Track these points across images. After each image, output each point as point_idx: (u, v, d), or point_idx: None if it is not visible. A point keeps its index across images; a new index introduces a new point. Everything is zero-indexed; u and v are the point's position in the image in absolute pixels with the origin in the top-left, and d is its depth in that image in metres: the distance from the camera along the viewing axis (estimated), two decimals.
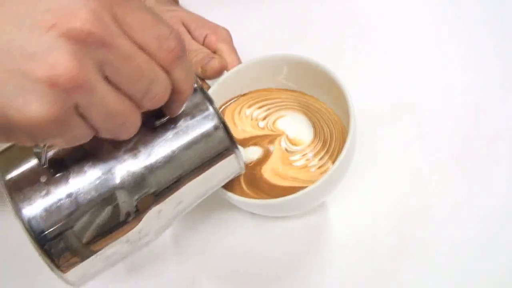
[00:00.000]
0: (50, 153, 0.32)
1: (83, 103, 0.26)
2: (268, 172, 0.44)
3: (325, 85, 0.44)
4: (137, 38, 0.27)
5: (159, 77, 0.29)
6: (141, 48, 0.28)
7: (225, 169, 0.38)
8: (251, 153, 0.45)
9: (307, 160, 0.44)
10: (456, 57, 0.54)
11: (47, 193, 0.32)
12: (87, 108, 0.27)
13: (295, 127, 0.46)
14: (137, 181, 0.33)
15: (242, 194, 0.42)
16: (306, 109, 0.47)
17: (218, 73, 0.48)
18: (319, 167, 0.43)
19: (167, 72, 0.29)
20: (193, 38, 0.52)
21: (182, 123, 0.35)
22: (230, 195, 0.41)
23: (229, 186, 0.41)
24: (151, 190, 0.34)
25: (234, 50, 0.51)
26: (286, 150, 0.44)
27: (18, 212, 0.32)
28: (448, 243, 0.44)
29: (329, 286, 0.44)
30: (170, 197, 0.35)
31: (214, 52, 0.51)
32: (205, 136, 0.35)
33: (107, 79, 0.27)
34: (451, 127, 0.50)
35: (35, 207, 0.32)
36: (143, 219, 0.34)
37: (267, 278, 0.45)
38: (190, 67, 0.31)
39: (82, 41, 0.25)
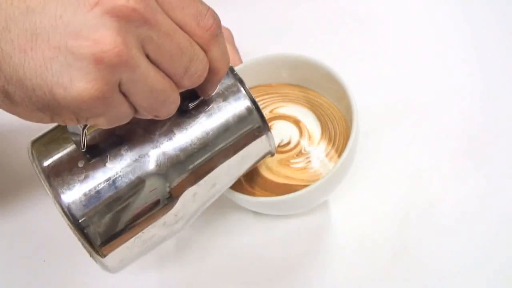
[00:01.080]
0: (87, 138, 0.32)
1: (127, 80, 0.27)
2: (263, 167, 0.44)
3: (327, 83, 0.44)
4: (176, 16, 0.28)
5: (199, 54, 0.29)
6: (180, 26, 0.28)
7: (257, 150, 0.38)
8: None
9: (307, 162, 0.43)
10: (457, 57, 0.54)
11: (86, 178, 0.32)
12: (130, 85, 0.27)
13: (304, 120, 0.46)
14: (173, 164, 0.34)
15: (242, 189, 0.42)
16: (309, 103, 0.47)
17: None
18: (320, 167, 0.43)
19: (204, 50, 0.29)
20: None
21: (214, 105, 0.35)
22: (233, 192, 0.41)
23: None
24: (187, 173, 0.34)
25: (236, 50, 0.52)
26: (301, 151, 0.44)
27: (57, 197, 0.32)
28: (450, 243, 0.44)
29: (331, 286, 0.44)
30: (204, 179, 0.36)
31: None
32: (238, 117, 0.35)
33: (148, 56, 0.27)
34: (453, 127, 0.50)
35: (74, 192, 0.32)
36: (179, 202, 0.35)
37: (269, 278, 0.45)
38: (225, 46, 0.31)
39: (125, 18, 0.25)
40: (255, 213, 0.47)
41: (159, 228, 0.35)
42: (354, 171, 0.43)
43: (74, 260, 0.47)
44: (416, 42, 0.56)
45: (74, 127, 0.32)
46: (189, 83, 0.30)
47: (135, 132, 0.34)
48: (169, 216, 0.35)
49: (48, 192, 0.32)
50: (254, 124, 0.36)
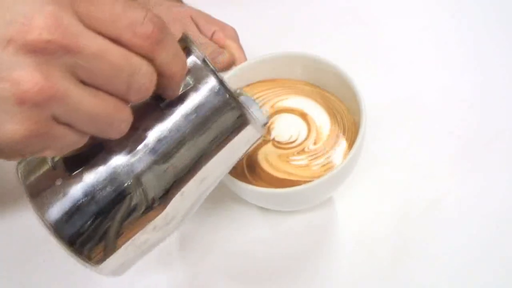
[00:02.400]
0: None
1: (62, 112, 0.25)
2: (263, 160, 0.43)
3: (334, 81, 0.44)
4: (108, 31, 0.26)
5: (140, 66, 0.27)
6: (116, 41, 0.26)
7: (244, 138, 0.35)
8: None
9: (311, 160, 0.43)
10: (458, 57, 0.55)
11: (64, 195, 0.31)
12: (68, 115, 0.26)
13: (313, 111, 0.46)
14: (152, 169, 0.32)
15: (245, 180, 0.42)
16: (317, 95, 0.47)
17: (227, 67, 0.49)
18: (324, 165, 0.43)
19: (150, 59, 0.27)
20: (201, 33, 0.52)
21: (188, 101, 0.33)
22: (238, 183, 0.41)
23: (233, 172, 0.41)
24: (168, 175, 0.33)
25: (241, 48, 0.51)
26: (304, 149, 0.43)
27: (40, 216, 0.31)
28: (453, 240, 0.44)
29: (335, 282, 0.44)
30: (190, 178, 0.34)
31: (222, 48, 0.50)
32: (214, 109, 0.33)
33: (83, 82, 0.26)
34: (453, 127, 0.50)
35: (57, 210, 0.31)
36: (167, 204, 0.33)
37: (273, 274, 0.45)
38: (175, 47, 0.29)
39: (42, 52, 0.24)
40: (260, 209, 0.47)
41: (150, 232, 0.34)
42: (357, 169, 0.43)
43: (74, 260, 0.46)
44: (417, 42, 0.57)
45: None
46: (136, 98, 0.28)
47: (108, 142, 0.32)
48: (159, 220, 0.34)
49: (34, 212, 0.32)
50: (232, 114, 0.34)
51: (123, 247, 0.33)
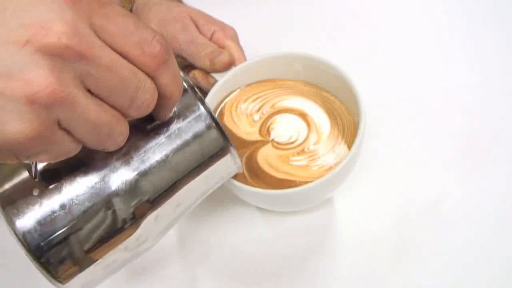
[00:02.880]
0: (41, 166, 0.31)
1: (65, 117, 0.26)
2: (262, 161, 0.43)
3: (334, 82, 0.44)
4: (118, 46, 0.26)
5: (145, 84, 0.28)
6: (124, 55, 0.27)
7: (221, 169, 0.37)
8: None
9: (311, 160, 0.43)
10: (458, 58, 0.55)
11: (40, 206, 0.31)
12: (70, 122, 0.26)
13: (313, 112, 0.46)
14: (132, 188, 0.32)
15: (244, 181, 0.42)
16: (317, 96, 0.46)
17: (226, 67, 0.48)
18: (323, 166, 0.42)
19: (152, 78, 0.28)
20: (201, 33, 0.52)
21: (174, 126, 0.34)
22: (237, 184, 0.41)
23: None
24: (146, 196, 0.33)
25: (241, 48, 0.51)
26: (304, 150, 0.43)
27: (12, 226, 0.31)
28: (453, 240, 0.44)
29: (335, 282, 0.44)
30: (167, 202, 0.34)
31: (221, 48, 0.50)
32: (198, 137, 0.34)
33: (90, 91, 0.26)
34: (454, 127, 0.50)
35: (29, 221, 0.31)
36: (141, 226, 0.33)
37: (272, 274, 0.45)
38: (176, 70, 0.29)
39: (58, 56, 0.24)
40: (259, 209, 0.47)
41: (121, 253, 0.34)
42: (357, 169, 0.43)
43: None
44: (417, 43, 0.57)
45: None
46: (136, 114, 0.28)
47: (92, 156, 0.32)
48: (130, 241, 0.33)
49: (5, 220, 0.31)
50: (215, 144, 0.35)
51: (92, 266, 0.33)
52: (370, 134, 0.43)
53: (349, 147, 0.43)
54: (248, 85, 0.48)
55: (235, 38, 0.52)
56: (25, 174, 0.32)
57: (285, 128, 0.45)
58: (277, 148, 0.44)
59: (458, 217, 0.45)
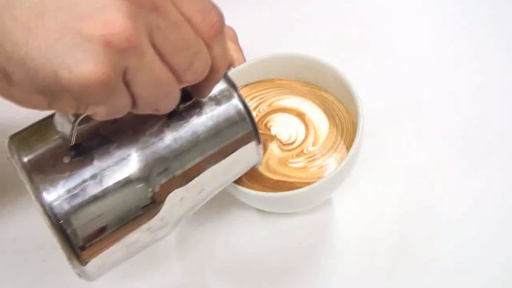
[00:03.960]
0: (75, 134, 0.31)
1: (132, 68, 0.26)
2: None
3: (332, 83, 0.44)
4: (183, 8, 0.27)
5: (203, 50, 0.28)
6: (186, 19, 0.27)
7: (245, 157, 0.37)
8: None
9: (309, 162, 0.43)
10: (459, 58, 0.55)
11: (71, 175, 0.30)
12: (135, 74, 0.26)
13: (311, 112, 0.45)
14: (162, 165, 0.33)
15: (240, 182, 0.41)
16: (315, 96, 0.46)
17: None
18: (321, 167, 0.42)
19: (207, 46, 0.29)
20: None
21: (206, 108, 0.34)
22: (237, 186, 0.40)
23: None
24: (175, 175, 0.33)
25: (240, 49, 0.51)
26: (303, 151, 0.43)
27: (38, 194, 0.30)
28: (452, 240, 0.44)
29: (334, 283, 0.44)
30: (192, 183, 0.35)
31: None
32: (229, 122, 0.35)
33: (154, 46, 0.26)
34: (454, 127, 0.50)
35: (58, 189, 0.30)
36: (166, 206, 0.33)
37: (272, 275, 0.45)
38: (226, 46, 0.30)
39: (137, 3, 0.25)
40: (258, 210, 0.47)
41: (143, 233, 0.33)
42: (356, 170, 0.42)
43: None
44: (418, 43, 0.57)
45: (62, 119, 0.30)
46: (191, 78, 0.29)
47: (124, 132, 0.32)
48: (154, 221, 0.33)
49: (29, 189, 0.30)
50: (245, 130, 0.35)
51: (114, 244, 0.32)
52: (369, 135, 0.43)
53: (348, 147, 0.42)
54: (246, 85, 0.48)
55: (234, 39, 0.52)
56: (54, 141, 0.31)
57: (283, 129, 0.44)
58: (278, 147, 0.44)
59: (458, 217, 0.45)
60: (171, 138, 0.33)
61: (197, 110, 0.34)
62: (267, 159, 0.43)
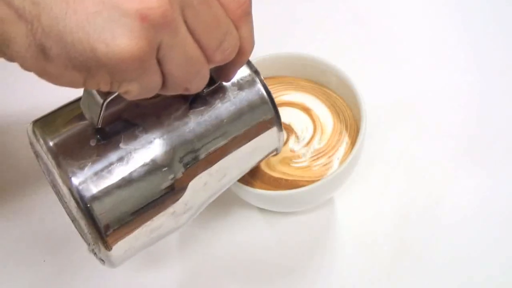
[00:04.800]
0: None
1: (166, 45, 0.26)
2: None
3: (335, 82, 0.45)
4: None
5: (232, 30, 0.28)
6: None
7: (267, 142, 0.37)
8: None
9: (313, 160, 0.43)
10: (459, 57, 0.55)
11: (98, 157, 0.30)
12: (168, 50, 0.26)
13: (315, 106, 0.45)
14: (187, 148, 0.33)
15: (242, 180, 0.41)
16: (318, 92, 0.46)
17: None
18: (325, 165, 0.42)
19: (235, 27, 0.29)
20: None
21: (230, 93, 0.35)
22: (241, 186, 0.40)
23: None
24: (199, 158, 0.34)
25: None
26: (309, 150, 0.43)
27: (65, 177, 0.29)
28: (453, 240, 0.44)
29: (335, 283, 0.44)
30: (216, 168, 0.35)
31: None
32: (252, 107, 0.35)
33: (186, 23, 0.26)
34: (454, 126, 0.50)
35: (85, 172, 0.30)
36: (190, 190, 0.34)
37: (273, 274, 0.45)
38: (252, 28, 0.30)
39: None
40: (260, 209, 0.47)
41: (168, 217, 0.34)
42: (357, 169, 0.43)
43: (74, 260, 0.46)
44: (419, 42, 0.57)
45: (89, 101, 0.30)
46: (220, 58, 0.29)
47: (149, 116, 0.32)
48: (179, 205, 0.33)
49: (55, 172, 0.30)
50: (267, 115, 0.36)
51: (139, 228, 0.32)
52: (370, 134, 0.42)
53: (352, 144, 0.42)
54: None
55: None
56: (80, 124, 0.31)
57: (292, 122, 0.44)
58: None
59: (459, 217, 0.45)
60: (195, 122, 0.33)
61: (221, 95, 0.34)
62: (271, 158, 0.43)
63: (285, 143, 0.43)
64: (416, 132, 0.51)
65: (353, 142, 0.43)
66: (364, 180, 0.47)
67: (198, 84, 0.29)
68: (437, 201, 0.46)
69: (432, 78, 0.54)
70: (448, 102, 0.52)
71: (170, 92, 0.29)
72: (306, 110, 0.45)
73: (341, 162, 0.42)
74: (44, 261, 0.47)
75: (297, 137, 0.44)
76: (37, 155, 0.33)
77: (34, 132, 0.31)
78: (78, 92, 0.30)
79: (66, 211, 0.35)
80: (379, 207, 0.47)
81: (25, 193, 0.50)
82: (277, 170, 0.42)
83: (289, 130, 0.44)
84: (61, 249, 0.47)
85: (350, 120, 0.44)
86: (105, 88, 0.26)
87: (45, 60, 0.25)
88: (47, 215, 0.48)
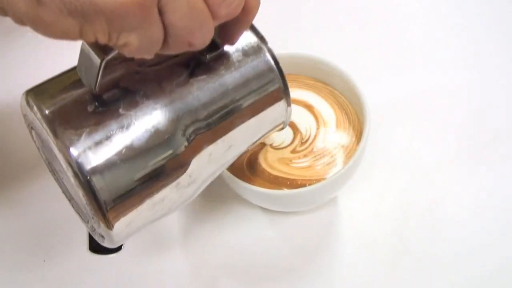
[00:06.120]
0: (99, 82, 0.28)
1: None
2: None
3: (338, 82, 0.45)
4: None
5: None
6: None
7: (273, 114, 0.35)
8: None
9: (315, 160, 0.42)
10: (460, 57, 0.55)
11: (96, 124, 0.28)
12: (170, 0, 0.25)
13: (318, 103, 0.45)
14: (191, 116, 0.31)
15: (245, 178, 0.41)
16: (320, 90, 0.46)
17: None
18: (329, 163, 0.42)
19: None
20: None
21: (234, 59, 0.32)
22: (242, 183, 0.40)
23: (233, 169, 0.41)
24: (204, 126, 0.32)
25: None
26: (313, 149, 0.43)
27: (63, 147, 0.27)
28: (454, 241, 0.44)
29: (336, 282, 0.44)
30: (221, 138, 0.33)
31: None
32: (258, 74, 0.33)
33: None
34: (455, 127, 0.50)
35: (84, 140, 0.27)
36: (195, 160, 0.32)
37: (274, 273, 0.45)
38: None
39: None
40: (262, 208, 0.47)
41: (171, 189, 0.31)
42: (361, 168, 0.42)
43: (74, 260, 0.46)
44: (420, 42, 0.57)
45: (86, 62, 0.28)
46: (225, 13, 0.27)
47: (151, 81, 0.30)
48: (183, 176, 0.31)
49: (51, 142, 0.28)
50: (275, 83, 0.34)
51: (142, 202, 0.30)
52: (373, 133, 0.42)
53: (356, 141, 0.42)
54: None
55: None
56: (76, 90, 0.29)
57: (296, 121, 0.44)
58: (276, 149, 0.43)
59: (460, 217, 0.45)
60: (199, 88, 0.31)
61: (225, 61, 0.32)
62: (273, 157, 0.43)
63: (290, 143, 0.43)
64: (418, 132, 0.50)
65: (357, 140, 0.42)
66: (365, 180, 0.47)
67: (203, 38, 0.27)
68: (439, 201, 0.46)
69: (434, 78, 0.54)
70: (449, 103, 0.52)
71: (173, 50, 0.27)
72: (309, 107, 0.45)
73: (345, 161, 0.42)
74: (44, 261, 0.46)
75: (301, 135, 0.43)
76: (31, 127, 0.31)
77: (27, 101, 0.29)
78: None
79: (62, 189, 0.34)
80: (380, 207, 0.46)
81: (25, 193, 0.49)
82: (280, 170, 0.42)
83: (294, 128, 0.44)
84: (61, 249, 0.47)
85: (353, 118, 0.44)
86: (103, 39, 0.25)
87: (38, 5, 0.23)
88: (47, 215, 0.48)
